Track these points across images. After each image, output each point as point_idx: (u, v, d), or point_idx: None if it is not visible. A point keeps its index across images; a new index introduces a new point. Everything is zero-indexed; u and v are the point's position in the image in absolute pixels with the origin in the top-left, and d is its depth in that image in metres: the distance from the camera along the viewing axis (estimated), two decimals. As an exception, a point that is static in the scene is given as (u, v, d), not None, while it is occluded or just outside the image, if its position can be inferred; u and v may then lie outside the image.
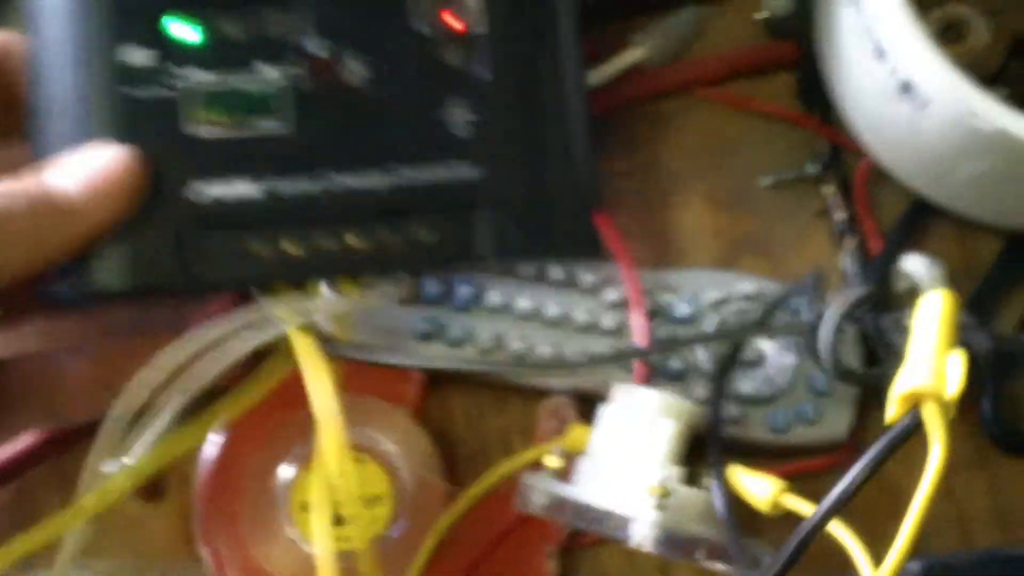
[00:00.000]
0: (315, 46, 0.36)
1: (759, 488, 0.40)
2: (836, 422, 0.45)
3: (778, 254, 0.48)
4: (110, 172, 0.35)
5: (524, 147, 0.37)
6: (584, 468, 0.42)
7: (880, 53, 0.41)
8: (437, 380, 0.46)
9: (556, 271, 0.45)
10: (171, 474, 0.45)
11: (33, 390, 0.39)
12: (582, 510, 0.40)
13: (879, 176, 0.47)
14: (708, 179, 0.49)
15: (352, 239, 0.36)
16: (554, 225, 0.38)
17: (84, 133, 0.36)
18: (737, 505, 0.41)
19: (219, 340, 0.37)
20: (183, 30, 0.36)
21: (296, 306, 0.37)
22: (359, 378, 0.45)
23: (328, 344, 0.38)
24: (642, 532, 0.39)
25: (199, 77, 0.36)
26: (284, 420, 0.43)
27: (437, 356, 0.45)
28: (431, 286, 0.45)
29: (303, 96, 0.36)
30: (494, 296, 0.45)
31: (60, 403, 0.39)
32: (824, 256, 0.48)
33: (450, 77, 0.37)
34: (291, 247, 0.36)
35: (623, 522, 0.39)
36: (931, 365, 0.34)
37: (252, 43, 0.36)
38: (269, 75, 0.36)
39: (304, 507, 0.42)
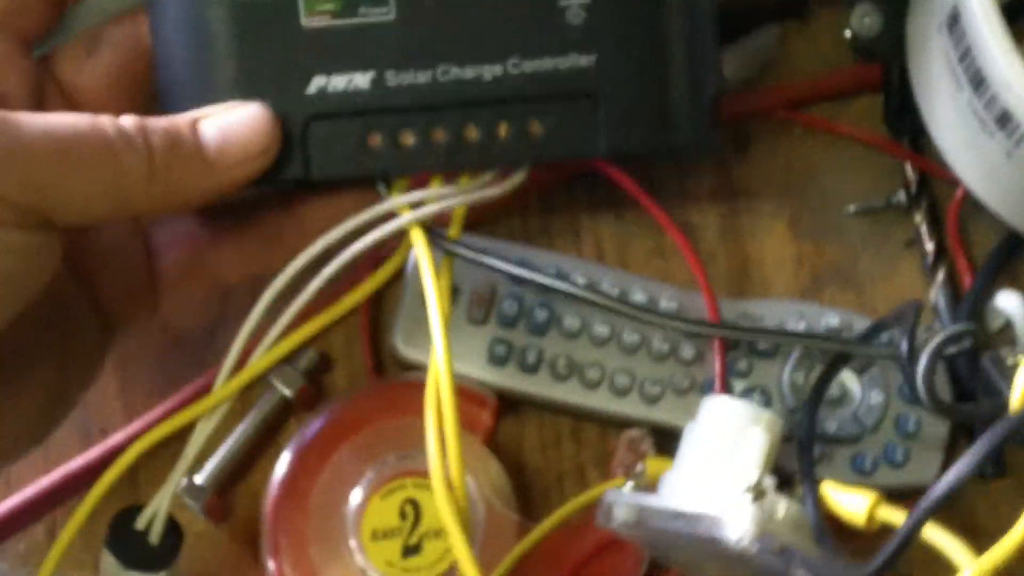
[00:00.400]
0: None
1: (853, 502, 0.38)
2: (925, 466, 0.43)
3: (864, 286, 0.47)
4: (249, 135, 0.36)
5: (641, 37, 0.36)
6: (671, 480, 0.40)
7: (977, 82, 0.40)
8: (510, 406, 0.45)
9: (638, 294, 0.44)
10: (239, 494, 0.44)
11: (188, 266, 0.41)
12: (671, 518, 0.38)
13: (971, 206, 0.45)
14: (791, 206, 0.47)
15: (467, 131, 0.37)
16: (671, 119, 0.37)
17: (206, 24, 0.36)
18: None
19: (344, 238, 0.38)
20: None
21: (412, 198, 0.38)
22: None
23: (440, 240, 0.39)
24: (741, 528, 0.36)
25: None
26: (357, 444, 0.42)
27: (511, 380, 0.44)
28: (507, 307, 0.44)
29: None
30: (571, 320, 0.44)
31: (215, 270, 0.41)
32: (912, 289, 0.46)
33: None
34: (408, 139, 0.37)
35: (717, 522, 0.37)
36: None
37: None
38: None
39: (375, 535, 0.41)
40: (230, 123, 0.36)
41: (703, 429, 0.40)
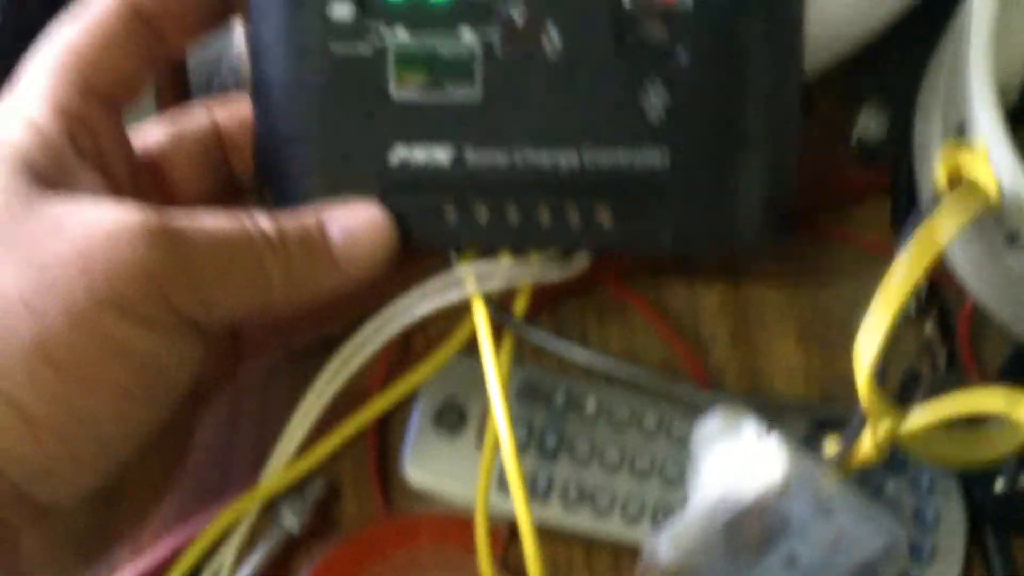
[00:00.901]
0: (514, 10, 0.36)
1: None
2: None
3: (876, 395, 0.46)
4: (373, 238, 0.37)
5: (718, 139, 0.37)
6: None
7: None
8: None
9: (649, 420, 0.44)
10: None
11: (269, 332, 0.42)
12: (738, 515, 0.38)
13: (982, 316, 0.44)
14: (800, 317, 0.47)
15: (538, 212, 0.37)
16: (739, 222, 0.37)
17: (299, 86, 0.37)
18: None
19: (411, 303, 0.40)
20: None
21: (479, 270, 0.39)
22: (438, 527, 0.43)
23: (502, 315, 0.40)
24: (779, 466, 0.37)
25: (399, 35, 0.36)
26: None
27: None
28: (517, 432, 0.43)
29: (498, 64, 0.37)
30: (582, 444, 0.43)
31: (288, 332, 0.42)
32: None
33: (649, 57, 0.37)
34: (481, 214, 0.37)
35: (785, 488, 0.37)
36: None
37: (451, 3, 0.36)
38: (466, 38, 0.36)
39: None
40: (355, 225, 0.37)
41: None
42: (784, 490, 0.37)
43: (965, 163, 0.37)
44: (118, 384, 0.33)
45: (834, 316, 0.47)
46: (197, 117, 0.41)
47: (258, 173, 0.39)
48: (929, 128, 0.44)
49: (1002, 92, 0.46)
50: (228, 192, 0.41)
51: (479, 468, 0.42)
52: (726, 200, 0.37)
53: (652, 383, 0.43)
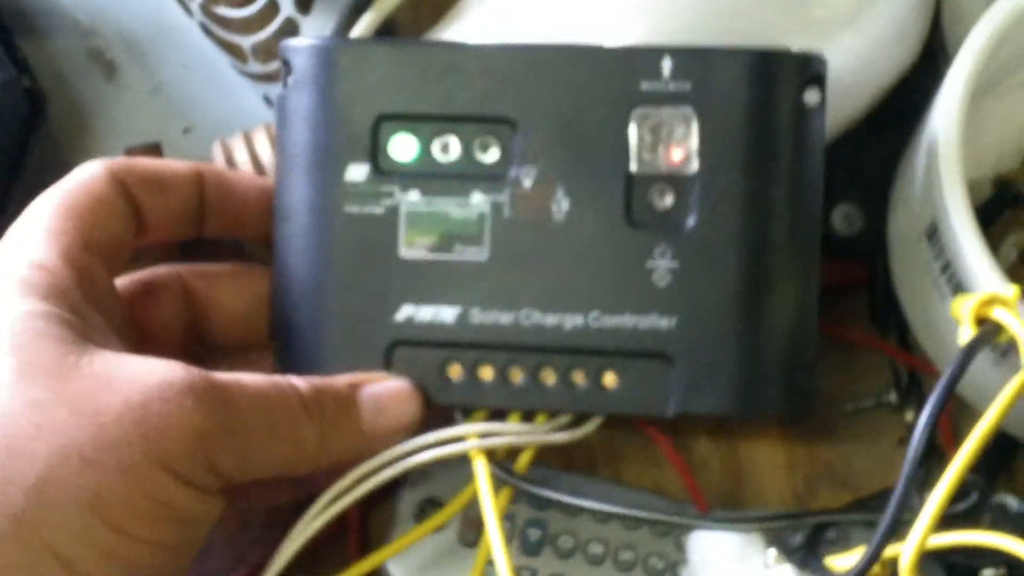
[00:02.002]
0: (525, 175, 0.37)
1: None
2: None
3: (859, 486, 0.46)
4: (402, 410, 0.37)
5: (726, 306, 0.37)
6: None
7: (957, 288, 0.40)
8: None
9: (626, 553, 0.44)
10: None
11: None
12: None
13: (962, 405, 0.45)
14: (783, 409, 0.47)
15: (543, 374, 0.38)
16: (751, 387, 0.37)
17: (314, 244, 0.38)
18: None
19: (408, 451, 0.39)
20: (402, 146, 0.38)
21: (484, 428, 0.39)
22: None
23: (502, 471, 0.39)
24: None
25: (411, 197, 0.37)
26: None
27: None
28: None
29: (507, 226, 0.37)
30: (565, 541, 0.43)
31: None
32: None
33: (656, 222, 0.37)
34: (487, 374, 0.38)
35: None
36: None
37: (461, 166, 0.38)
38: (475, 200, 0.37)
39: None
40: (385, 396, 0.37)
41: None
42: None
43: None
44: (159, 538, 0.33)
45: (817, 405, 0.47)
46: (167, 275, 0.41)
47: (272, 330, 0.40)
48: (904, 229, 0.44)
49: (975, 186, 0.47)
50: (198, 349, 0.42)
51: (464, 564, 0.42)
52: (739, 366, 0.37)
53: (654, 514, 0.42)
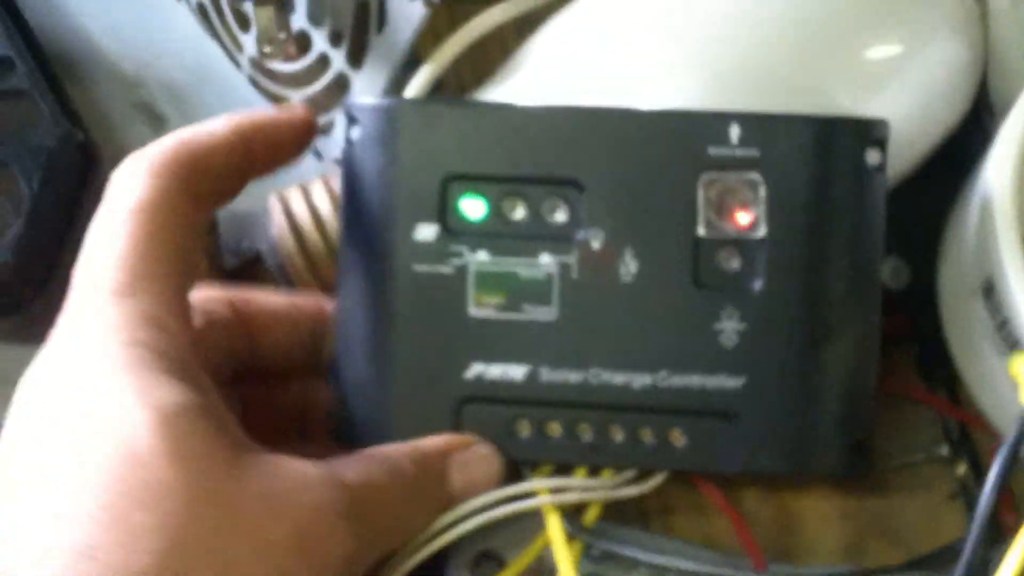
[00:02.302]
0: (593, 236, 0.38)
1: None
2: None
3: (909, 539, 0.46)
4: (486, 478, 0.38)
5: (793, 367, 0.37)
6: None
7: (1015, 346, 0.40)
8: None
9: (683, 561, 0.44)
10: None
11: None
12: None
13: (1014, 458, 0.45)
14: (833, 461, 0.47)
15: (611, 431, 0.38)
16: (812, 444, 0.38)
17: (382, 301, 0.38)
18: None
19: (482, 506, 0.39)
20: (470, 206, 0.38)
21: (554, 483, 0.39)
22: None
23: (572, 524, 0.40)
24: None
25: (480, 257, 0.38)
26: None
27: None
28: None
29: (575, 286, 0.38)
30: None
31: None
32: (954, 534, 0.46)
33: (723, 284, 0.38)
34: (555, 430, 0.38)
35: None
36: None
37: (529, 226, 0.38)
38: (543, 260, 0.38)
39: None
40: (471, 461, 0.38)
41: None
42: None
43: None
44: None
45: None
46: (218, 299, 0.41)
47: (334, 385, 0.40)
48: (956, 284, 0.45)
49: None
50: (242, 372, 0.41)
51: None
52: (802, 425, 0.38)
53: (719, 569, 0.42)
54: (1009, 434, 0.36)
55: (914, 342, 0.48)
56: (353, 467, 0.35)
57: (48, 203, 0.46)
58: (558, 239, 0.38)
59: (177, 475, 0.30)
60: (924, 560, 0.43)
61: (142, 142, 0.52)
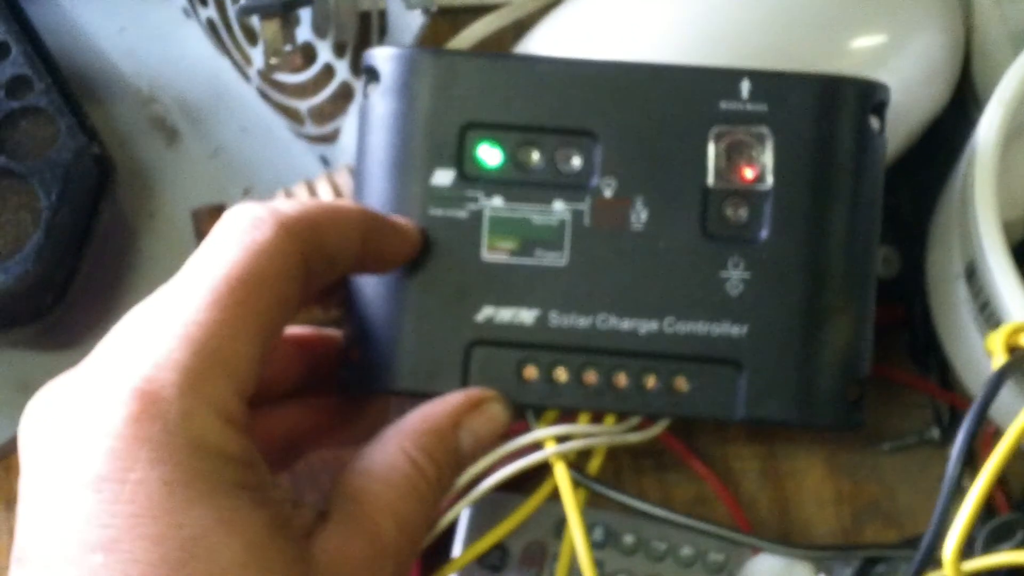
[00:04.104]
0: (605, 185, 0.39)
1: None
2: None
3: (904, 521, 0.48)
4: (495, 433, 0.38)
5: (796, 315, 0.38)
6: None
7: (997, 325, 0.41)
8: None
9: (686, 549, 0.45)
10: None
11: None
12: None
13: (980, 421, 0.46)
14: (827, 446, 0.49)
15: (617, 377, 0.39)
16: (814, 397, 0.38)
17: None
18: None
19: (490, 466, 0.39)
20: (487, 153, 0.39)
21: (558, 431, 0.39)
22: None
23: (579, 473, 0.40)
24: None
25: (495, 203, 0.39)
26: None
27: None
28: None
29: (586, 233, 0.39)
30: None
31: None
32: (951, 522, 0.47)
33: (730, 234, 0.38)
34: (561, 376, 0.39)
35: None
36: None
37: (544, 174, 0.39)
38: (557, 208, 0.39)
39: None
40: (482, 426, 0.37)
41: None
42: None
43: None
44: None
45: (860, 445, 0.49)
46: None
47: (349, 328, 0.40)
48: (942, 269, 0.46)
49: (1009, 227, 0.49)
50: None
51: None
52: (800, 376, 0.38)
53: (709, 533, 0.44)
54: (977, 397, 0.37)
55: (906, 329, 0.49)
56: (383, 521, 0.34)
57: (66, 215, 0.48)
58: (571, 187, 0.39)
59: None
60: (917, 540, 0.44)
61: (157, 154, 0.55)
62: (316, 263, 0.34)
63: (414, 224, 0.39)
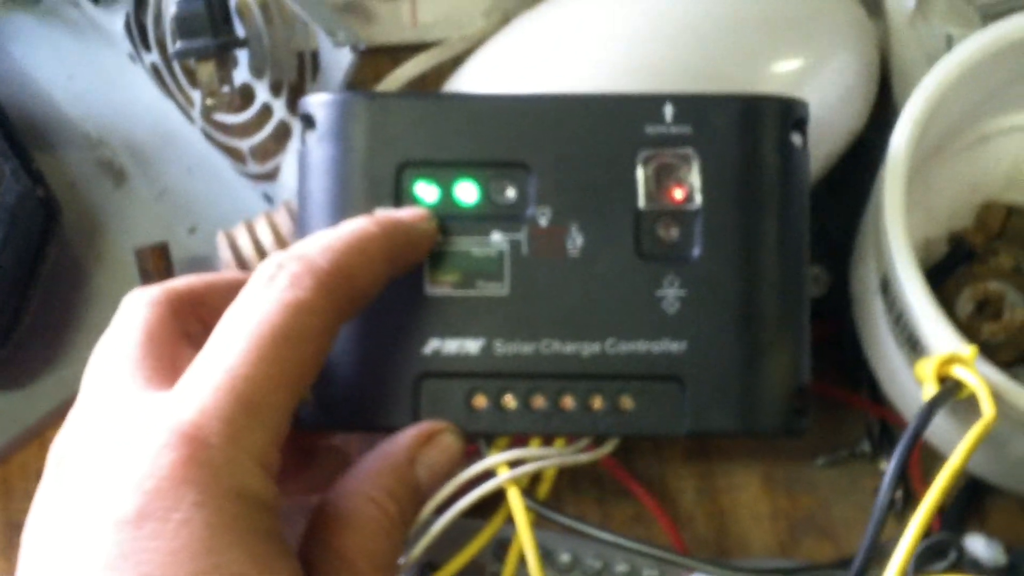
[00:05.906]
0: (541, 214, 0.40)
1: None
2: None
3: (839, 534, 0.48)
4: (448, 469, 0.38)
5: (732, 329, 0.39)
6: None
7: (912, 343, 0.42)
8: None
9: (621, 566, 0.46)
10: None
11: None
12: None
13: (932, 452, 0.47)
14: (763, 462, 0.49)
15: (563, 400, 0.39)
16: (756, 407, 0.39)
17: None
18: None
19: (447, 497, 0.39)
20: (425, 190, 0.40)
21: (511, 455, 0.40)
22: None
23: (529, 497, 0.42)
24: None
25: (437, 238, 0.40)
26: None
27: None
28: None
29: (525, 262, 0.40)
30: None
31: None
32: (886, 533, 0.48)
33: (663, 254, 0.39)
34: (510, 402, 0.39)
35: None
36: None
37: (480, 208, 0.40)
38: (495, 239, 0.40)
39: None
40: (436, 457, 0.38)
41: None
42: None
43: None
44: None
45: (795, 460, 0.49)
46: None
47: None
48: (862, 284, 0.47)
49: (930, 243, 0.50)
50: None
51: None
52: (742, 387, 0.39)
53: (654, 550, 0.44)
54: (909, 426, 0.38)
55: (837, 345, 0.50)
56: (361, 563, 0.35)
57: (10, 257, 0.49)
58: (508, 218, 0.40)
59: None
60: (850, 561, 0.44)
61: (105, 196, 0.56)
62: (349, 309, 0.36)
63: (423, 211, 0.40)
